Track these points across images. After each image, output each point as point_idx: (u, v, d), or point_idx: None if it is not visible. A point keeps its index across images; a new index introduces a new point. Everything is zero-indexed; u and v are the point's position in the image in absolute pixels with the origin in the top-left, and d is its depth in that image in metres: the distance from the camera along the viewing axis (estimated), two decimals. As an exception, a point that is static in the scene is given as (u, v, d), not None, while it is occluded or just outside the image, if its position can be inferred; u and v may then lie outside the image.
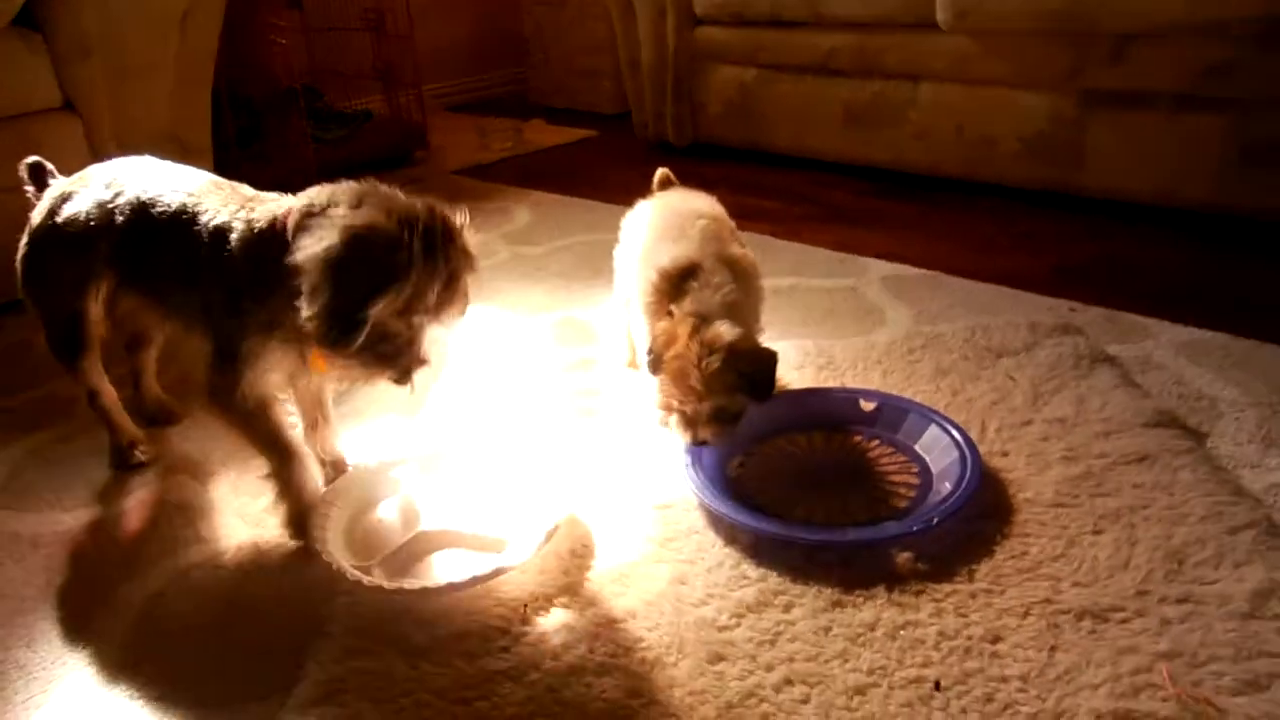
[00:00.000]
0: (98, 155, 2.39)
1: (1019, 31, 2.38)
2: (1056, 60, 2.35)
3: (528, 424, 1.65)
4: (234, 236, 1.28)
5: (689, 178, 1.67)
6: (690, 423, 1.37)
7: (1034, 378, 1.61)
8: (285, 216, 1.24)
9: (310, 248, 1.14)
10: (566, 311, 2.11)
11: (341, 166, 3.21)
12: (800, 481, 1.41)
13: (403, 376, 1.24)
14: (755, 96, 3.09)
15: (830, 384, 1.66)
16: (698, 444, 1.38)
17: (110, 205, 1.43)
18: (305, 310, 1.14)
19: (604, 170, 3.27)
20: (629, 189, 2.89)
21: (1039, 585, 1.15)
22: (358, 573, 1.22)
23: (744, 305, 1.43)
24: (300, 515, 1.38)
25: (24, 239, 1.54)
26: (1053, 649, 1.05)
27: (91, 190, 1.47)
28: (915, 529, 1.22)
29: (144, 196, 1.40)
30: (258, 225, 1.27)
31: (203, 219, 1.33)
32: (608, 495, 1.42)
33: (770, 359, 1.36)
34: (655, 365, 1.38)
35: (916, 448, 1.44)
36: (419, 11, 3.52)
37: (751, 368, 1.34)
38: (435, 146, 3.58)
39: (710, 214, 1.57)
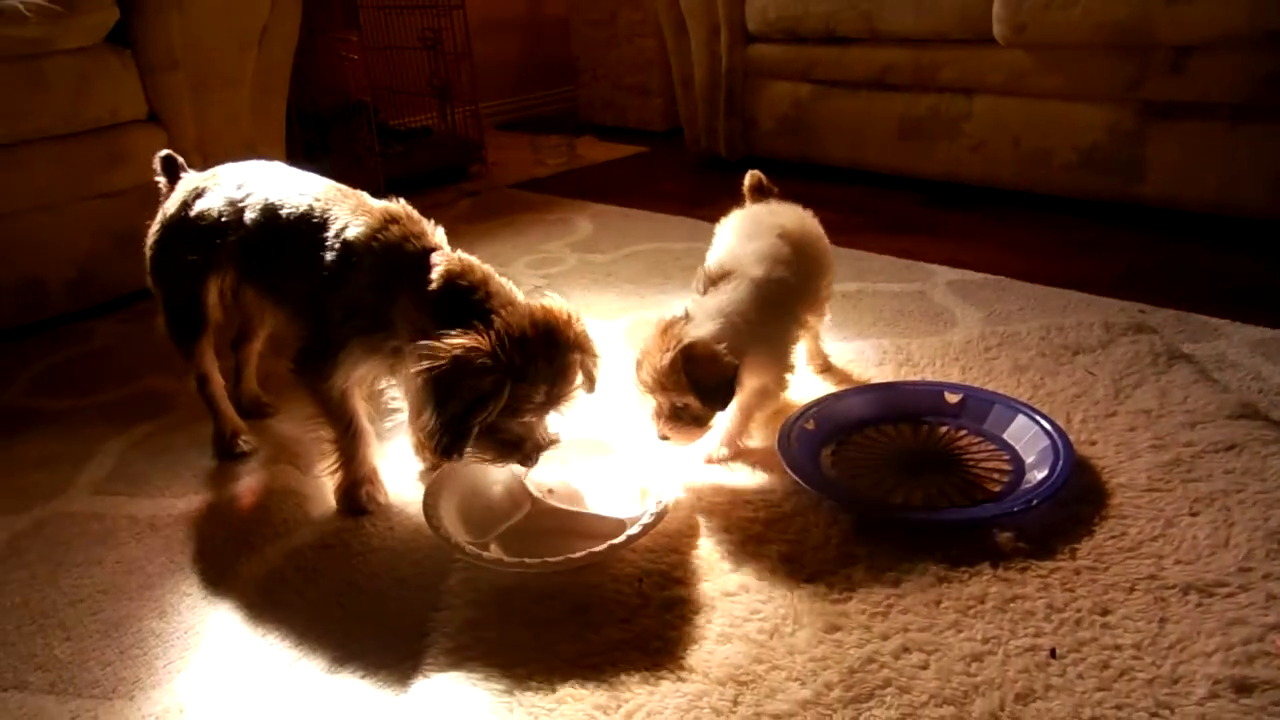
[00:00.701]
0: (169, 177, 2.49)
1: (1078, 45, 2.43)
2: (1115, 72, 2.40)
3: (617, 417, 1.69)
4: (365, 256, 1.36)
5: (742, 192, 1.70)
6: (655, 416, 1.42)
7: (1113, 373, 1.64)
8: (432, 265, 1.31)
9: (421, 366, 1.24)
10: (640, 314, 2.16)
11: (403, 180, 3.33)
12: (893, 469, 1.45)
13: (525, 461, 1.34)
14: (809, 111, 3.15)
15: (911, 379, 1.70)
16: (661, 439, 1.42)
17: (241, 203, 1.51)
18: (418, 421, 1.29)
19: (658, 184, 3.34)
20: (685, 201, 2.99)
21: (1142, 563, 1.18)
22: (475, 549, 1.27)
23: (755, 321, 1.41)
24: (354, 486, 1.48)
25: (155, 227, 1.64)
26: (1162, 620, 1.08)
27: (224, 188, 1.55)
28: (1016, 509, 1.26)
29: (272, 198, 1.48)
30: (393, 252, 1.35)
31: (333, 226, 1.40)
32: (706, 481, 1.46)
33: (723, 368, 1.35)
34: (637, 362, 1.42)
35: (1004, 436, 1.48)
36: (470, 31, 3.61)
37: (700, 371, 1.34)
38: (491, 162, 3.67)
39: (790, 229, 1.56)
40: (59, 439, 1.84)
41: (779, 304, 1.46)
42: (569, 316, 1.32)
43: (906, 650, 1.08)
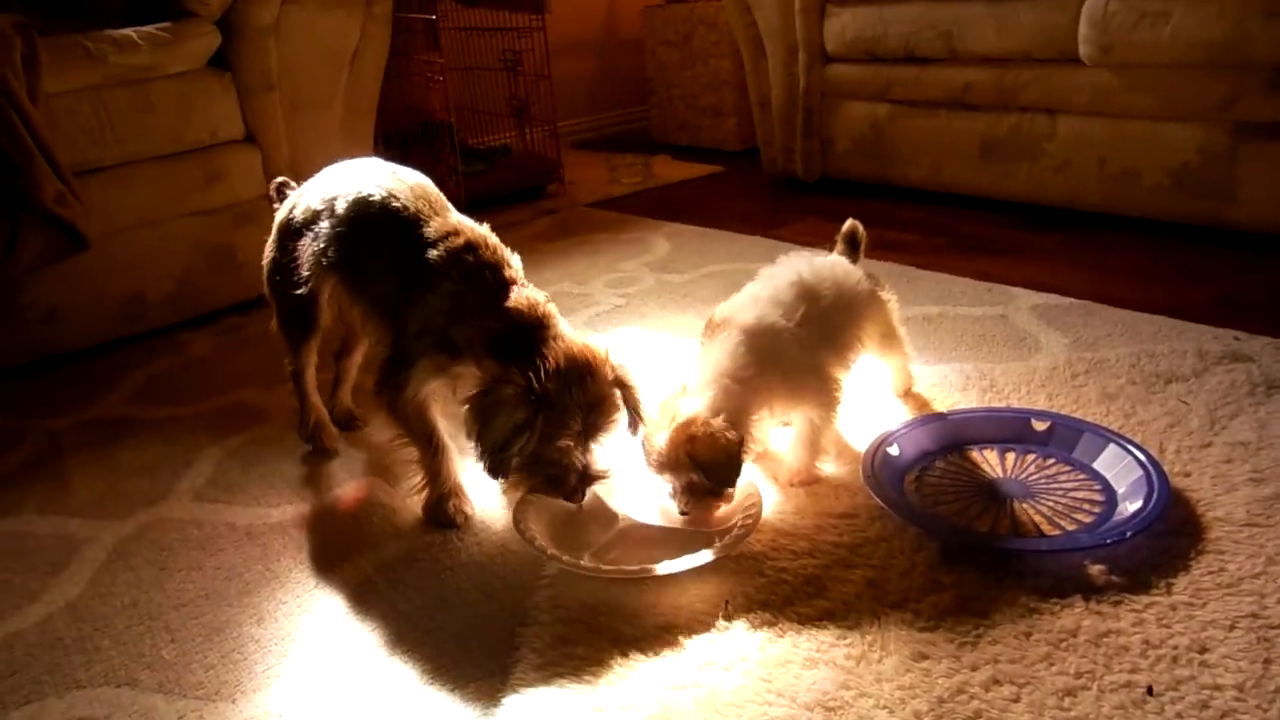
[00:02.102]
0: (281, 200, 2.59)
1: (1169, 64, 2.38)
2: (1208, 91, 2.34)
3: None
4: (444, 281, 1.43)
5: (820, 212, 1.70)
6: (672, 495, 1.43)
7: (1208, 403, 1.60)
8: (519, 302, 1.40)
9: (467, 394, 1.38)
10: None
11: (484, 197, 3.40)
12: (978, 496, 1.44)
13: (571, 496, 1.41)
14: (887, 132, 3.13)
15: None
16: (682, 514, 1.43)
17: (333, 200, 1.58)
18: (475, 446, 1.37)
19: (733, 204, 3.35)
20: (761, 222, 2.99)
21: (1242, 600, 1.15)
22: (571, 558, 1.30)
23: (752, 374, 1.42)
24: (440, 501, 1.53)
25: (270, 247, 1.73)
26: (1266, 661, 1.06)
27: (317, 190, 1.63)
28: (1110, 540, 1.24)
29: (363, 191, 1.55)
30: (470, 280, 1.42)
31: (418, 239, 1.45)
32: (790, 504, 1.47)
33: (725, 445, 1.35)
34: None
35: (1095, 465, 1.45)
36: (541, 54, 3.66)
37: (702, 452, 1.35)
38: (568, 180, 3.72)
39: (804, 278, 1.54)
40: (159, 446, 1.92)
41: (775, 350, 1.45)
42: (605, 354, 1.40)
43: (997, 682, 1.07)
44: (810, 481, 1.50)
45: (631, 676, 1.14)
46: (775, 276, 1.55)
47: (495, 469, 1.37)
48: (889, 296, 1.66)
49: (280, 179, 1.86)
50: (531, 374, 1.31)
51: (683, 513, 1.42)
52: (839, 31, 3.15)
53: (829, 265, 1.59)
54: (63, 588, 1.48)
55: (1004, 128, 2.83)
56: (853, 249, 1.68)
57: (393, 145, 3.31)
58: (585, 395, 1.35)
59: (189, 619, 1.38)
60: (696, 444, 1.35)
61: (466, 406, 1.38)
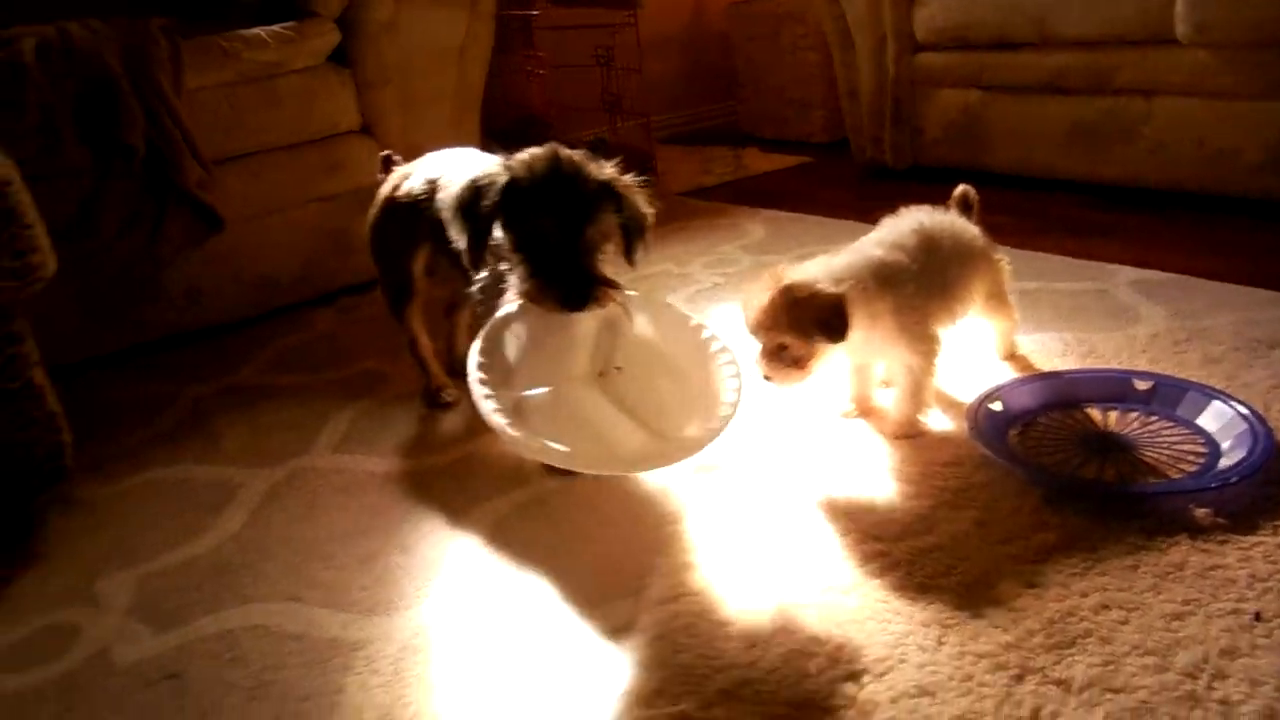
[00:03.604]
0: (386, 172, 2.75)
1: (1268, 42, 2.38)
2: (1311, 69, 2.33)
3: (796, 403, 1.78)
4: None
5: (911, 199, 1.73)
6: (758, 357, 1.49)
7: (1313, 366, 1.63)
8: None
9: (445, 197, 1.42)
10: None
11: (578, 188, 3.52)
12: (1080, 448, 1.49)
13: (567, 299, 1.36)
14: (978, 118, 3.16)
15: (1095, 370, 1.73)
16: (765, 379, 1.49)
17: (435, 183, 1.71)
18: (455, 243, 1.41)
19: (823, 192, 3.41)
20: (851, 209, 3.05)
21: (1348, 540, 1.19)
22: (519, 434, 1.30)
23: (867, 285, 1.47)
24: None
25: (373, 210, 1.90)
26: (1373, 591, 1.10)
27: (424, 170, 1.77)
28: (1215, 484, 1.28)
29: (454, 176, 1.66)
30: None
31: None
32: (895, 454, 1.54)
33: (826, 298, 1.41)
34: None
35: (1198, 422, 1.49)
36: (632, 49, 3.77)
37: (803, 306, 1.41)
38: (660, 171, 3.83)
39: (928, 226, 1.62)
40: (296, 408, 2.08)
41: (893, 283, 1.51)
42: (596, 164, 1.38)
43: (1106, 607, 1.13)
44: (913, 434, 1.57)
45: (752, 601, 1.23)
46: (896, 225, 1.63)
47: (476, 250, 1.39)
48: (1001, 257, 1.72)
49: (386, 152, 2.04)
50: (511, 161, 1.35)
51: (765, 377, 1.50)
52: (928, 19, 3.19)
53: (949, 219, 1.66)
54: (225, 523, 1.64)
55: (1097, 111, 2.84)
56: (965, 211, 1.74)
57: (494, 140, 3.45)
58: (556, 182, 1.33)
59: (341, 549, 1.51)
60: (798, 302, 1.41)
61: (449, 211, 1.42)
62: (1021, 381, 1.66)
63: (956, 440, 1.55)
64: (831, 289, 1.43)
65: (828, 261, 1.54)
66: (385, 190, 1.90)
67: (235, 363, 2.39)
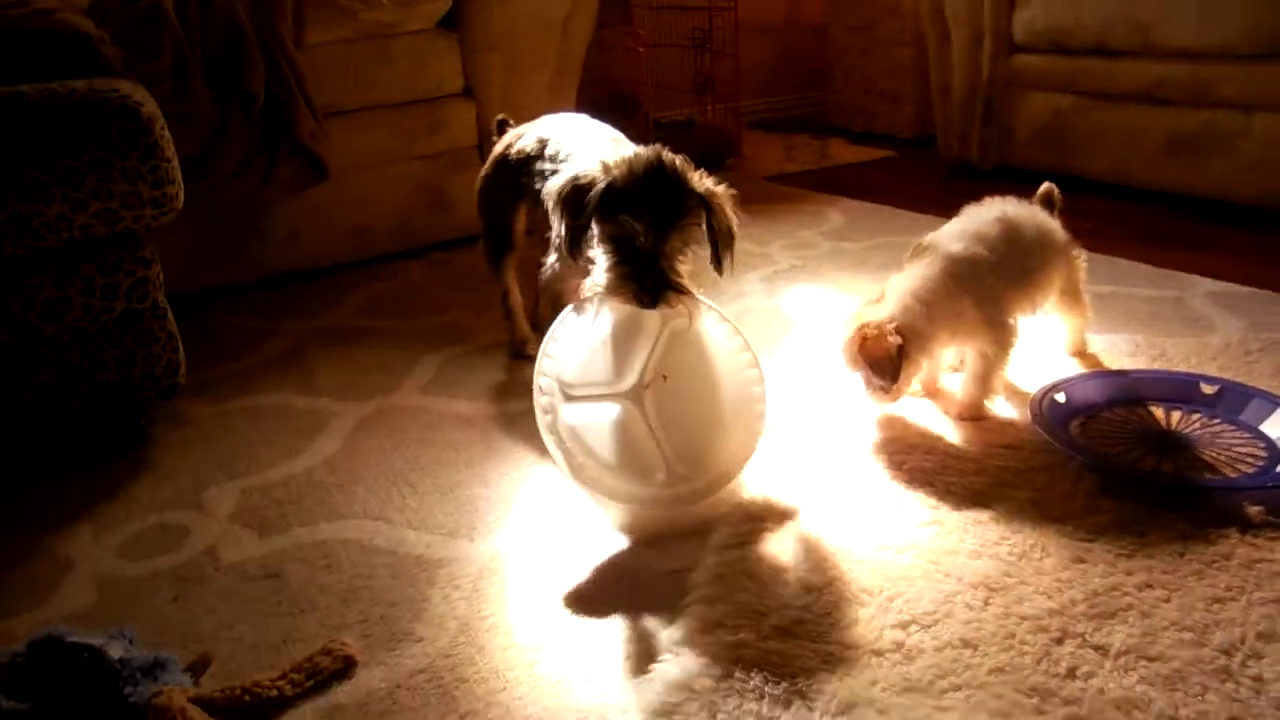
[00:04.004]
0: (486, 133, 2.86)
1: (1379, 62, 2.35)
2: None
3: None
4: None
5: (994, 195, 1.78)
6: (861, 384, 1.61)
7: (1386, 384, 1.64)
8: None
9: (550, 184, 1.51)
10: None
11: (665, 166, 3.60)
12: (1141, 444, 1.53)
13: (643, 291, 1.39)
14: (1069, 123, 3.16)
15: (1164, 374, 1.76)
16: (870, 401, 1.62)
17: (545, 143, 1.81)
18: (554, 229, 1.50)
19: (907, 186, 3.44)
20: (933, 203, 3.07)
21: (1400, 546, 1.22)
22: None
23: (939, 297, 1.57)
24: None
25: (485, 167, 2.01)
26: None
27: (536, 130, 1.87)
28: (1271, 484, 1.32)
29: (564, 139, 1.77)
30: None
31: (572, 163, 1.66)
32: (958, 434, 1.60)
33: (885, 346, 1.52)
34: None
35: (1261, 428, 1.52)
36: (729, 33, 3.83)
37: (868, 349, 1.55)
38: (745, 155, 3.89)
39: (1009, 216, 1.68)
40: (386, 350, 2.20)
41: (972, 277, 1.59)
42: (699, 174, 1.43)
43: (1149, 586, 1.18)
44: (978, 417, 1.63)
45: (814, 551, 1.30)
46: (979, 214, 1.69)
47: (573, 244, 1.46)
48: (1079, 254, 1.77)
49: (501, 116, 2.16)
50: (610, 163, 1.42)
51: (870, 399, 1.63)
52: (1029, 21, 3.19)
53: (1031, 211, 1.72)
54: (320, 448, 1.76)
55: (1195, 123, 2.82)
56: (1049, 208, 1.79)
57: (585, 109, 3.55)
58: (653, 191, 1.38)
59: (425, 478, 1.63)
60: (865, 344, 1.54)
61: (550, 202, 1.49)
62: (1087, 377, 1.70)
63: (1019, 427, 1.61)
64: (893, 337, 1.52)
65: (907, 281, 1.61)
66: (498, 149, 2.01)
67: (330, 305, 2.53)
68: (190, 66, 2.31)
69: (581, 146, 1.72)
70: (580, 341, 1.48)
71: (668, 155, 1.43)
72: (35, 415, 1.67)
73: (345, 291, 2.63)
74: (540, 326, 2.14)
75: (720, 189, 1.46)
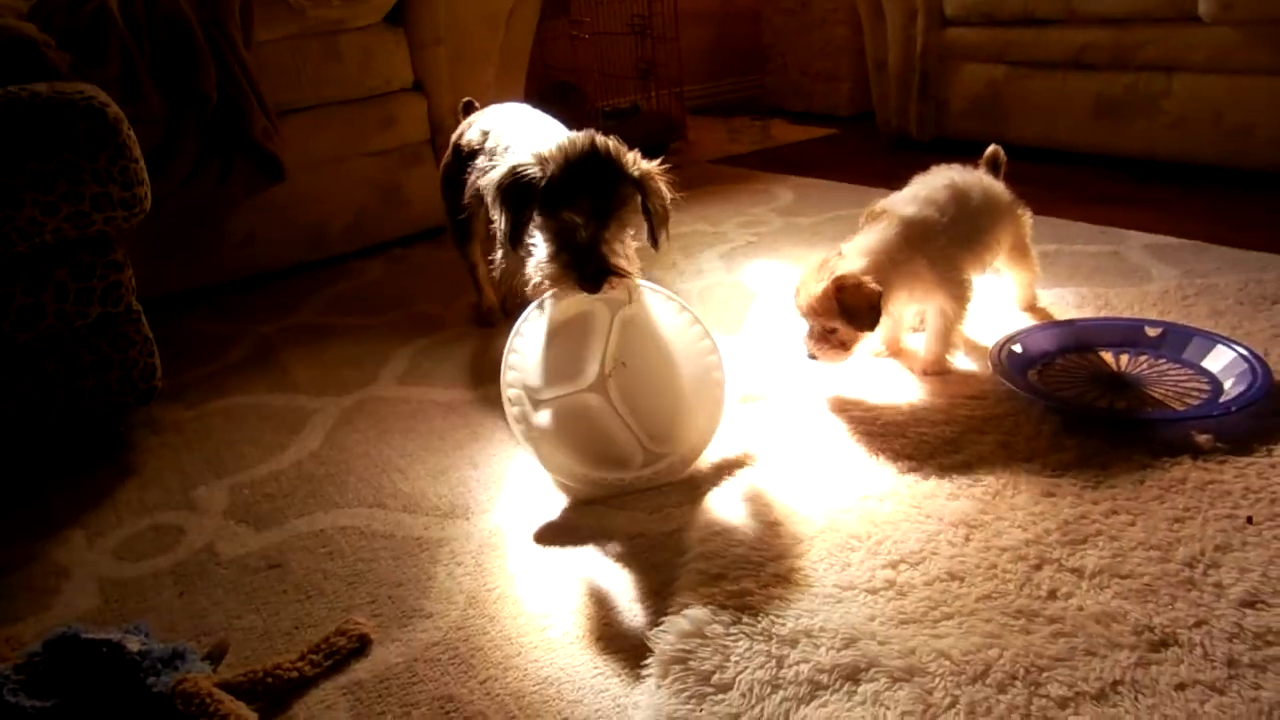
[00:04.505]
0: (436, 128, 2.89)
1: (1288, 20, 2.49)
2: (1327, 47, 2.44)
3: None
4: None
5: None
6: (807, 337, 1.66)
7: (1313, 319, 1.76)
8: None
9: (489, 177, 1.53)
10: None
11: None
12: (1095, 385, 1.63)
13: (584, 279, 1.43)
14: (1002, 92, 3.28)
15: (1109, 321, 1.86)
16: (810, 357, 1.65)
17: (488, 132, 1.89)
18: (494, 220, 1.54)
19: (850, 161, 3.53)
20: (877, 176, 3.17)
21: (1335, 462, 1.33)
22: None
23: (899, 255, 1.63)
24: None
25: (445, 157, 2.10)
26: (1354, 503, 1.24)
27: (479, 124, 1.94)
28: (1216, 412, 1.42)
29: (506, 131, 1.85)
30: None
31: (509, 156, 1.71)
32: (924, 388, 1.68)
33: (868, 294, 1.55)
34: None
35: (1203, 364, 1.63)
36: (668, 19, 3.88)
37: (848, 298, 1.56)
38: (690, 140, 3.95)
39: (957, 181, 1.76)
40: (357, 346, 2.22)
41: (925, 239, 1.66)
42: (632, 157, 1.47)
43: (1115, 512, 1.27)
44: (942, 371, 1.71)
45: (801, 504, 1.37)
46: (929, 181, 1.77)
47: (514, 237, 1.49)
48: (1025, 212, 1.87)
49: (467, 99, 2.23)
50: (546, 155, 1.44)
51: (811, 356, 1.66)
52: (958, -5, 3.30)
53: (977, 175, 1.81)
54: (305, 442, 1.78)
55: (1119, 86, 2.95)
56: (994, 171, 1.88)
57: (532, 101, 3.58)
58: (599, 179, 1.41)
59: (415, 464, 1.66)
60: (845, 291, 1.57)
61: (487, 180, 1.52)
62: (1041, 327, 1.80)
63: (981, 378, 1.69)
64: (873, 285, 1.57)
65: (866, 240, 1.67)
66: (454, 138, 2.06)
67: (293, 305, 2.53)
68: (139, 69, 2.29)
69: (521, 138, 1.77)
70: (538, 345, 1.52)
71: (600, 141, 1.46)
72: (13, 425, 1.66)
73: (307, 291, 2.63)
74: (511, 314, 2.18)
75: (654, 168, 1.51)
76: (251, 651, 1.24)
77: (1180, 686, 0.99)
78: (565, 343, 1.51)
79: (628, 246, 1.49)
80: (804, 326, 1.68)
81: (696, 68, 4.80)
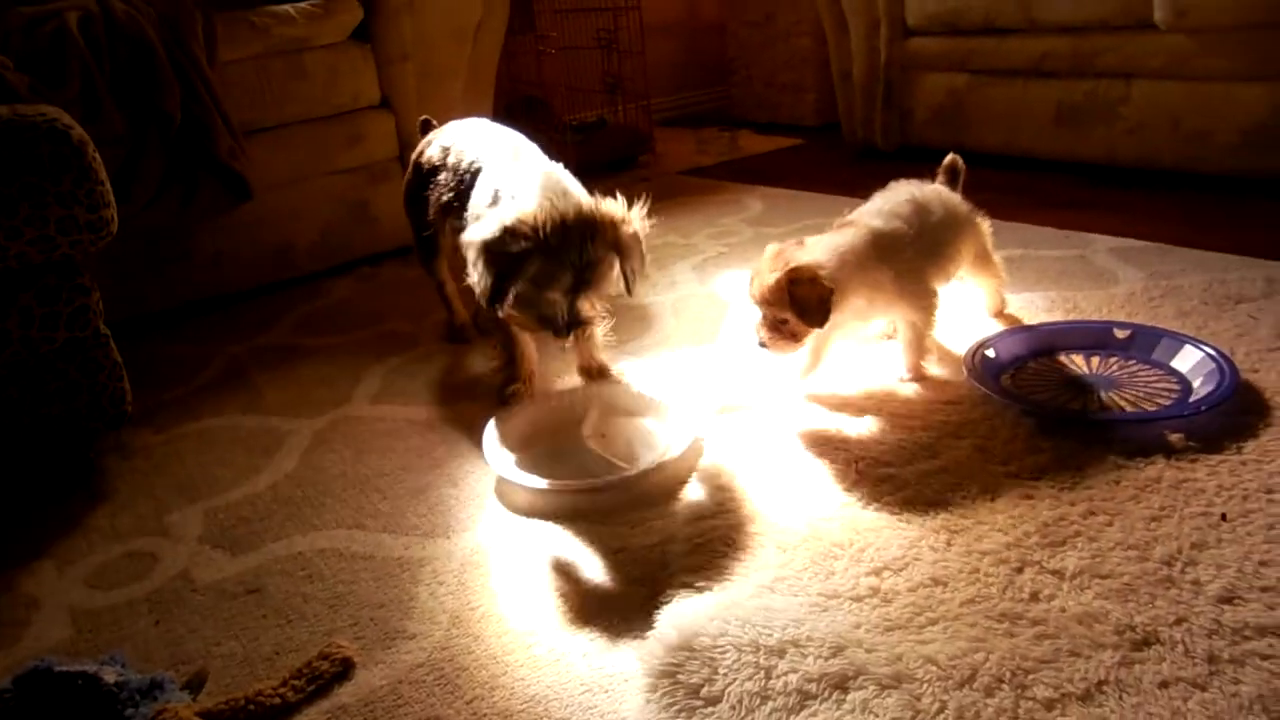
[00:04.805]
0: (405, 144, 2.87)
1: (1242, 26, 2.54)
2: None
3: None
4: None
5: (900, 177, 1.84)
6: (759, 326, 1.66)
7: (1276, 317, 1.79)
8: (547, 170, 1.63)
9: (475, 233, 1.54)
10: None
11: (581, 166, 3.64)
12: (1068, 387, 1.65)
13: (557, 334, 1.55)
14: (965, 100, 3.32)
15: (1079, 325, 1.89)
16: (760, 346, 1.66)
17: (448, 148, 1.91)
18: (471, 279, 1.56)
19: (817, 171, 3.56)
20: (844, 185, 3.20)
21: (1304, 458, 1.35)
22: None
23: (865, 260, 1.62)
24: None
25: (406, 174, 2.11)
26: (1323, 498, 1.26)
27: (439, 141, 1.95)
28: (1187, 412, 1.44)
29: (467, 147, 1.86)
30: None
31: (483, 180, 1.74)
32: (900, 394, 1.69)
33: (820, 290, 1.55)
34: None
35: (1172, 364, 1.65)
36: (634, 33, 3.90)
37: (800, 291, 1.55)
38: (658, 152, 3.96)
39: (918, 196, 1.75)
40: (329, 365, 2.20)
41: (893, 250, 1.65)
42: (617, 219, 1.52)
43: (1092, 513, 1.29)
44: (921, 377, 1.72)
45: (783, 512, 1.38)
46: (891, 196, 1.78)
47: (493, 300, 1.54)
48: (984, 221, 1.88)
49: (424, 117, 2.23)
50: (540, 221, 1.47)
51: (761, 344, 1.66)
52: (920, 5, 3.35)
53: (934, 188, 1.82)
54: (280, 464, 1.76)
55: (1079, 93, 3.00)
56: (952, 180, 1.89)
57: (499, 115, 3.57)
58: (583, 255, 1.48)
59: (393, 484, 1.65)
60: (797, 284, 1.56)
61: (471, 237, 1.54)
62: (1011, 332, 1.82)
63: (955, 384, 1.71)
64: (827, 281, 1.57)
65: (834, 239, 1.67)
66: (414, 157, 2.07)
67: (262, 326, 2.51)
68: (100, 89, 2.26)
69: (489, 158, 1.78)
70: (513, 447, 1.66)
71: (586, 210, 1.50)
72: (-20, 455, 1.63)
73: (276, 311, 2.61)
74: (484, 330, 2.18)
75: (635, 224, 1.56)
76: (232, 679, 1.22)
77: (1164, 684, 1.00)
78: (547, 424, 1.72)
79: (600, 296, 1.58)
80: (757, 314, 1.67)
81: (663, 80, 4.82)
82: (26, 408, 1.64)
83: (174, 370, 2.26)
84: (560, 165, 1.75)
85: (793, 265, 1.58)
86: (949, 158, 1.91)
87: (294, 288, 2.79)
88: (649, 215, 1.61)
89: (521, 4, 3.80)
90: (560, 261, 1.48)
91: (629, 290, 1.62)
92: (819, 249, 1.64)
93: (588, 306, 1.54)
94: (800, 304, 1.57)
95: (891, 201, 1.77)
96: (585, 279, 1.51)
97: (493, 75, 3.15)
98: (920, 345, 1.73)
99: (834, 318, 1.60)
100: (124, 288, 2.48)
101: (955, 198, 1.84)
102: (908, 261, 1.67)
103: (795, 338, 1.64)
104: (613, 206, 1.55)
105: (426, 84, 2.93)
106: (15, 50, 2.15)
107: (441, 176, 1.90)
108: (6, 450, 1.65)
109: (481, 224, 1.55)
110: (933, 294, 1.72)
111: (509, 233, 1.48)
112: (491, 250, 1.51)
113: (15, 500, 1.72)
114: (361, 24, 2.80)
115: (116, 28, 2.29)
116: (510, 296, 1.54)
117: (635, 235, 1.56)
